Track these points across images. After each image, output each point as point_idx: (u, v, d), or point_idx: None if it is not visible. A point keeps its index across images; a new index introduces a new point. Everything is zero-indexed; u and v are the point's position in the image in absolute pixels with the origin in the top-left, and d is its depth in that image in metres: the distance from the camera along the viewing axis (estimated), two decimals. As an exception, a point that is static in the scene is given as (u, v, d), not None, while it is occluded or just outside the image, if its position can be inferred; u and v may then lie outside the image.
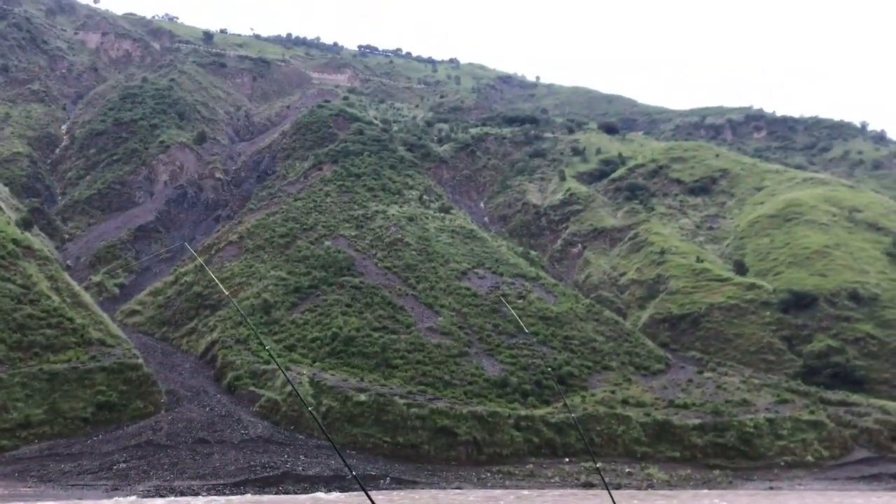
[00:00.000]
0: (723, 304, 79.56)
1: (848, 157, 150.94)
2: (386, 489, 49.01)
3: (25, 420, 50.83)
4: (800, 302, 77.57)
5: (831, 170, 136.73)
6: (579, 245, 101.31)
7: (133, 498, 41.91)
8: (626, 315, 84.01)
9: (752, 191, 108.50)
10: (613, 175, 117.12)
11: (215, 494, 44.66)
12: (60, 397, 53.07)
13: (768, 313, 77.74)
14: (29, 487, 43.31)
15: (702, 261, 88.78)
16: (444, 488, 50.39)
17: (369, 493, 5.70)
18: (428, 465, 55.53)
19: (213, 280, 74.30)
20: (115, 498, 41.08)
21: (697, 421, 60.45)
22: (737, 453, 58.49)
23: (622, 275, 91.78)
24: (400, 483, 50.71)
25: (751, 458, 58.20)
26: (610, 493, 7.19)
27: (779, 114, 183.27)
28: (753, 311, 78.28)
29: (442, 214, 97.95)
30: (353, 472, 5.37)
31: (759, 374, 70.22)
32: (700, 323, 78.56)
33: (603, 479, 10.45)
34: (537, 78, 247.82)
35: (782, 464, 57.74)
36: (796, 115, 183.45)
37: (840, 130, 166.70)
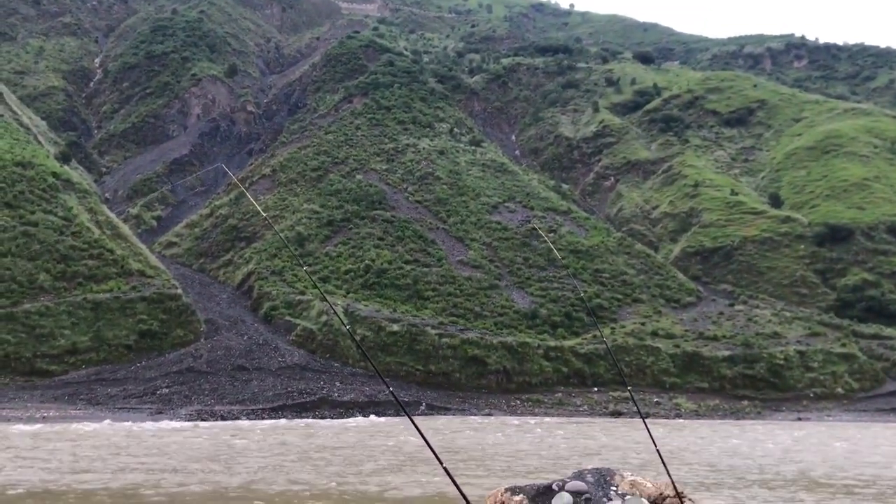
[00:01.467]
0: (756, 237, 78.76)
1: (893, 87, 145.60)
2: (420, 415, 50.49)
3: (72, 347, 52.94)
4: (835, 235, 76.49)
5: (875, 100, 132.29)
6: (612, 178, 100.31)
7: (176, 422, 43.75)
8: (657, 248, 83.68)
9: (790, 122, 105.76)
10: (648, 106, 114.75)
11: (254, 418, 46.47)
12: (104, 325, 55.02)
13: (802, 246, 76.90)
14: (79, 410, 45.46)
15: (736, 193, 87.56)
16: (475, 414, 51.79)
17: (419, 428, 6.14)
18: (459, 392, 56.94)
19: (249, 211, 75.39)
20: (161, 420, 42.96)
21: (727, 353, 60.81)
22: (766, 385, 58.95)
23: (655, 208, 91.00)
24: (432, 409, 52.20)
25: (780, 389, 58.64)
26: (642, 415, 7.51)
27: (821, 41, 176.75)
28: (787, 245, 77.48)
29: (473, 148, 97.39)
30: (398, 398, 5.69)
31: (791, 307, 69.99)
32: (733, 256, 78.04)
33: (635, 401, 10.86)
34: (571, 6, 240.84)
35: (811, 395, 58.12)
36: (840, 42, 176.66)
37: (886, 58, 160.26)
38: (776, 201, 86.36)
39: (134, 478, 17.81)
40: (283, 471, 20.24)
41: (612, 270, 73.09)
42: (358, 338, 59.65)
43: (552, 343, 61.47)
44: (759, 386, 58.87)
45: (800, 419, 53.27)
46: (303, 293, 65.71)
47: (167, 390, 50.20)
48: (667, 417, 53.08)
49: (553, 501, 6.65)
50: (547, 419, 50.29)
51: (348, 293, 65.65)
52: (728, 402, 57.29)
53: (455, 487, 5.44)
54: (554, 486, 6.96)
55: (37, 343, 52.05)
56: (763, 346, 61.08)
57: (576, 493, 6.76)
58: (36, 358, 51.44)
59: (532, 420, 49.47)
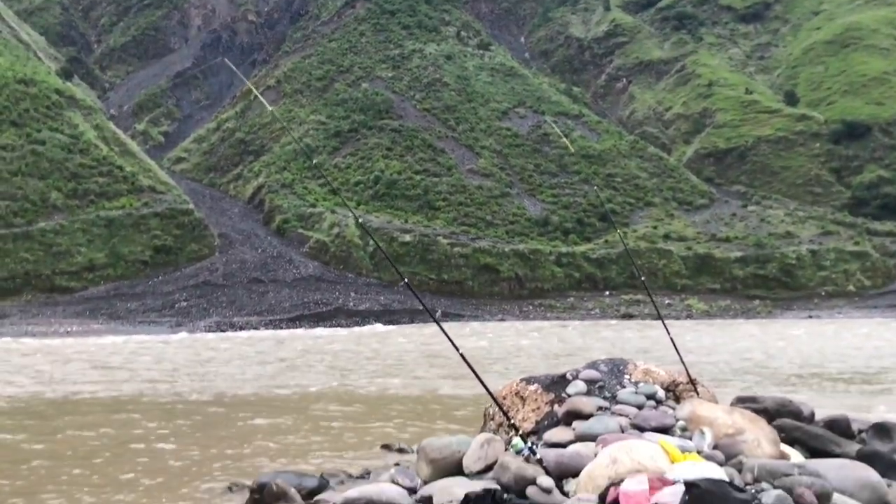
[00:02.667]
0: (771, 136, 77.46)
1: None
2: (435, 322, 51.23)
3: (90, 263, 53.74)
4: (852, 132, 75.05)
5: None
6: (624, 80, 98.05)
7: (196, 333, 44.69)
8: (670, 151, 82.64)
9: (808, 15, 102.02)
10: (660, 3, 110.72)
11: (273, 328, 47.43)
12: (119, 242, 55.64)
13: (818, 145, 75.69)
14: (100, 324, 46.54)
15: (751, 92, 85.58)
16: (489, 320, 52.64)
17: (440, 323, 6.24)
18: (472, 299, 57.75)
19: (256, 123, 74.52)
20: (180, 332, 43.91)
21: (739, 253, 60.96)
22: (777, 284, 59.30)
23: (668, 109, 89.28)
24: (446, 316, 53.04)
25: (791, 288, 59.02)
26: (656, 307, 7.57)
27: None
28: (802, 143, 76.26)
29: (481, 52, 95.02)
30: (420, 298, 5.82)
31: (804, 206, 69.56)
32: (746, 156, 77.03)
33: (650, 295, 10.90)
34: None
35: (823, 293, 58.51)
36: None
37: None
38: (792, 99, 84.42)
39: (152, 385, 18.32)
40: (296, 373, 20.74)
41: (625, 174, 72.50)
42: (371, 249, 60.06)
43: (564, 249, 61.74)
44: (770, 286, 59.24)
45: (810, 317, 53.79)
46: (314, 205, 65.84)
47: (185, 304, 51.17)
48: (678, 318, 53.71)
49: (567, 389, 6.79)
50: (560, 322, 51.06)
51: (359, 205, 65.70)
52: (739, 302, 57.84)
53: (475, 377, 5.58)
54: (568, 376, 7.09)
55: (55, 260, 52.84)
56: (775, 247, 61.12)
57: (589, 382, 6.88)
58: (55, 275, 52.35)
59: (545, 324, 50.25)
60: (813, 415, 6.86)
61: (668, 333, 7.35)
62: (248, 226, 65.79)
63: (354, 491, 4.61)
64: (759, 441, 5.59)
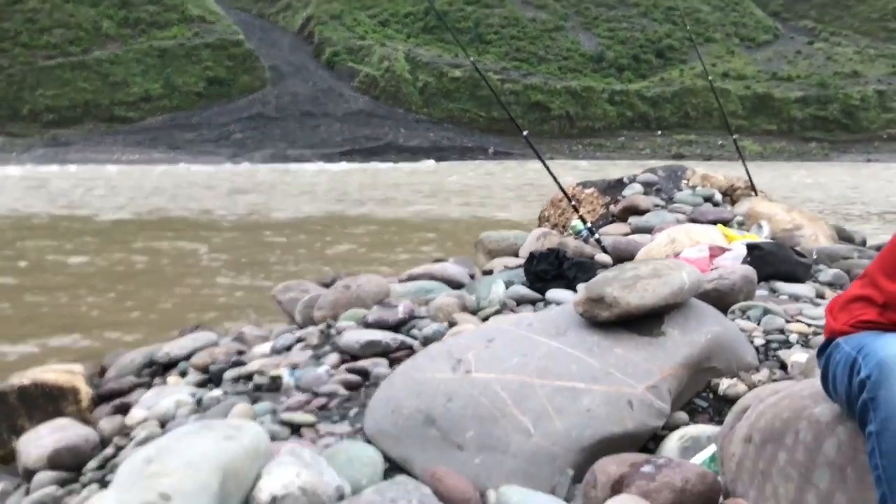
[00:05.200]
0: (849, -34, 71.89)
1: None
2: (487, 159, 51.51)
3: (146, 94, 54.58)
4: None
5: None
6: None
7: (252, 164, 45.85)
8: (736, -17, 77.54)
9: None
10: None
11: (325, 161, 48.28)
12: (173, 72, 56.00)
13: (900, -23, 70.16)
14: (161, 153, 47.97)
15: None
16: (537, 160, 52.57)
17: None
18: (521, 138, 57.30)
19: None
20: (239, 163, 45.09)
21: (800, 93, 58.68)
22: (837, 126, 57.39)
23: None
24: (496, 155, 53.18)
25: (851, 131, 57.11)
26: (731, 133, 7.69)
27: None
28: (883, -25, 70.74)
29: None
30: (528, 140, 5.97)
31: (876, 43, 65.61)
32: (819, -11, 72.08)
33: (735, 144, 10.99)
34: None
35: (884, 136, 56.57)
36: None
37: None
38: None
39: (210, 207, 19.32)
40: (343, 202, 21.48)
41: (686, 7, 68.69)
42: (420, 84, 59.40)
43: (618, 87, 60.14)
44: (829, 128, 57.38)
45: (869, 161, 52.41)
46: (363, 38, 64.53)
47: (240, 135, 52.11)
48: (730, 160, 52.91)
49: (623, 192, 7.16)
50: (609, 162, 50.86)
51: (408, 37, 64.20)
52: (795, 145, 56.44)
53: (549, 173, 5.96)
54: (625, 180, 7.49)
55: (112, 91, 53.73)
56: (839, 87, 58.53)
57: (646, 185, 7.28)
58: (113, 105, 53.45)
59: (595, 163, 50.15)
60: (865, 241, 6.79)
61: (736, 147, 7.59)
62: (298, 58, 65.12)
63: (421, 269, 4.92)
64: (818, 236, 5.72)
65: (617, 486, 1.71)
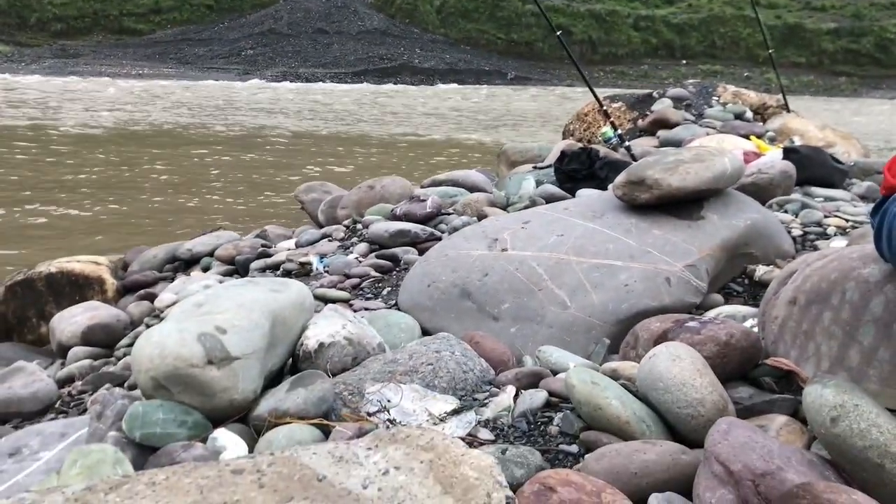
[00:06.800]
0: None
1: None
2: (506, 84, 50.55)
3: (156, 5, 53.67)
4: None
5: None
6: None
7: (263, 81, 45.24)
8: None
9: None
10: None
11: (337, 82, 47.54)
12: (186, -17, 54.83)
13: None
14: (170, 68, 47.29)
15: None
16: (557, 85, 51.64)
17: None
18: (541, 62, 56.16)
19: None
20: (249, 80, 44.48)
21: (833, 25, 56.82)
22: (869, 61, 55.72)
23: None
24: (514, 80, 52.17)
25: (884, 66, 55.42)
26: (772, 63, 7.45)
27: None
28: None
29: None
30: (579, 67, 5.75)
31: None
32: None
33: (771, 58, 10.67)
34: None
35: (916, 73, 55.01)
36: None
37: None
38: None
39: (225, 123, 19.17)
40: (352, 121, 21.25)
41: (717, -70, 66.09)
42: (438, 2, 57.88)
43: (643, 12, 58.40)
44: (861, 62, 55.73)
45: (897, 98, 51.09)
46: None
47: (252, 52, 51.24)
48: (756, 92, 51.76)
49: (652, 107, 7.05)
50: (631, 91, 49.88)
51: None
52: (823, 79, 55.01)
53: (584, 80, 5.84)
54: (654, 94, 7.35)
55: (122, 1, 52.71)
56: (875, 19, 56.52)
57: (676, 100, 7.15)
58: (123, 16, 52.53)
59: (616, 91, 49.21)
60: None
61: (776, 70, 7.38)
62: (312, -28, 63.42)
63: (444, 175, 4.88)
64: (850, 154, 5.80)
65: (660, 340, 1.71)
